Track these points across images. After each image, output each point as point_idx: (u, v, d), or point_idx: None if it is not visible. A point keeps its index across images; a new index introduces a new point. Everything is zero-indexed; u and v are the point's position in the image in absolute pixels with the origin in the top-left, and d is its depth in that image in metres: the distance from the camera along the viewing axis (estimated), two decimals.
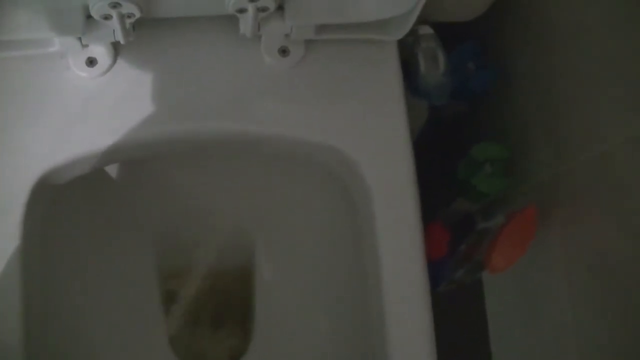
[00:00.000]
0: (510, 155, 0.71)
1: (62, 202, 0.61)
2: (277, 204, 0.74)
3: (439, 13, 0.64)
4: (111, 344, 0.69)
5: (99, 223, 0.70)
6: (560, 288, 0.68)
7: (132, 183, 0.72)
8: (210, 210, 0.77)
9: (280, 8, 0.53)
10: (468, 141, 0.73)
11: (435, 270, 0.68)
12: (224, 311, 0.79)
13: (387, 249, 0.54)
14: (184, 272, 0.79)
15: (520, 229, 0.63)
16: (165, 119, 0.55)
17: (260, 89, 0.57)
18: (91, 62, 0.55)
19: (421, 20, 0.61)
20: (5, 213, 0.52)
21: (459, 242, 0.70)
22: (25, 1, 0.50)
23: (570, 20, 0.63)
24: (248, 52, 0.57)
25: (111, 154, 0.55)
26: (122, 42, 0.53)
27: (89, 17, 0.51)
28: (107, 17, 0.50)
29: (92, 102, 0.55)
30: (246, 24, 0.54)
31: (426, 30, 0.61)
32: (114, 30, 0.52)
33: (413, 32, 0.61)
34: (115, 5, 0.49)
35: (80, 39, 0.53)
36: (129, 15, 0.51)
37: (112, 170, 0.69)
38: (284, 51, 0.57)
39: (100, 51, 0.55)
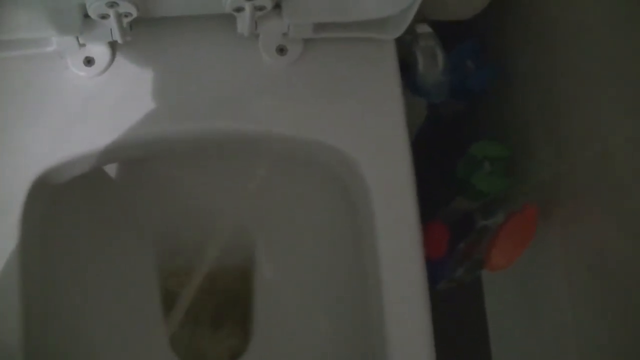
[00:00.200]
0: (510, 154, 0.71)
1: (62, 202, 0.61)
2: (277, 203, 0.74)
3: (437, 11, 0.64)
4: (111, 343, 0.69)
5: (99, 223, 0.70)
6: (560, 287, 0.68)
7: (132, 183, 0.72)
8: (211, 210, 0.77)
9: (277, 7, 0.53)
10: (468, 140, 0.73)
11: (435, 269, 0.68)
12: (224, 311, 0.79)
13: (386, 248, 0.54)
14: (184, 272, 0.79)
15: (520, 227, 0.63)
16: (164, 118, 0.55)
17: (258, 88, 0.57)
18: (89, 61, 0.55)
19: (420, 19, 0.62)
20: (3, 212, 0.52)
21: (459, 240, 0.70)
22: (23, 1, 0.50)
23: (570, 19, 0.63)
24: (246, 51, 0.57)
25: (109, 154, 0.55)
26: (119, 41, 0.53)
27: (86, 16, 0.51)
28: (104, 17, 0.50)
29: (90, 101, 0.55)
30: (243, 23, 0.54)
31: (424, 28, 0.61)
32: (111, 30, 0.52)
33: (411, 31, 0.61)
34: (112, 5, 0.49)
35: (77, 38, 0.53)
36: (126, 15, 0.51)
37: (112, 170, 0.70)
38: (281, 50, 0.57)
39: (97, 50, 0.55)
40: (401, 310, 0.53)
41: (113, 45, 0.56)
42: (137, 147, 0.56)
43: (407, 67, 0.62)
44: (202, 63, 0.57)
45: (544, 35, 0.68)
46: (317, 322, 0.69)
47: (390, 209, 0.54)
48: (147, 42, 0.57)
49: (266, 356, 0.73)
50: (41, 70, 0.55)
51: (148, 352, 0.74)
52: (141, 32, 0.55)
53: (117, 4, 0.49)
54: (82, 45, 0.54)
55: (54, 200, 0.58)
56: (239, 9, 0.52)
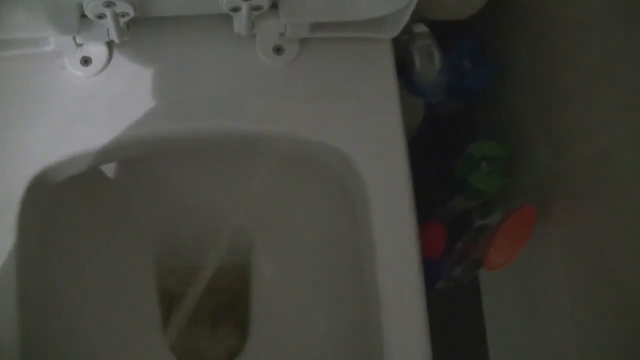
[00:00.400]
0: (508, 154, 0.71)
1: (61, 202, 0.61)
2: (276, 203, 0.74)
3: (435, 11, 0.65)
4: (109, 343, 0.69)
5: (98, 223, 0.71)
6: (558, 287, 0.68)
7: (131, 183, 0.72)
8: (209, 210, 0.77)
9: (274, 7, 0.53)
10: (466, 140, 0.73)
11: (433, 268, 0.68)
12: (223, 311, 0.79)
13: (382, 247, 0.54)
14: (183, 272, 0.79)
15: (518, 226, 0.63)
16: (161, 117, 0.55)
17: (255, 88, 0.57)
18: (86, 61, 0.55)
19: (417, 19, 0.62)
20: (1, 212, 0.52)
21: (457, 240, 0.70)
22: (21, 0, 0.50)
23: (569, 19, 0.63)
24: (243, 51, 0.57)
25: (106, 153, 0.55)
26: (116, 41, 0.54)
27: (83, 16, 0.51)
28: (101, 17, 0.51)
29: (87, 101, 0.55)
30: (240, 23, 0.54)
31: (421, 28, 0.61)
32: (108, 30, 0.53)
33: (408, 31, 0.61)
34: (109, 5, 0.49)
35: (75, 38, 0.53)
36: (123, 15, 0.51)
37: (111, 169, 0.70)
38: (279, 50, 0.57)
39: (95, 50, 0.55)
40: (398, 310, 0.53)
41: (110, 45, 0.56)
42: (134, 146, 0.56)
43: (404, 67, 0.62)
44: (199, 63, 0.57)
45: (542, 35, 0.68)
46: (315, 322, 0.69)
47: (387, 208, 0.54)
48: (144, 42, 0.57)
49: (263, 356, 0.73)
50: (39, 70, 0.55)
51: (147, 352, 0.74)
52: (139, 32, 0.56)
53: (114, 4, 0.49)
54: (79, 45, 0.55)
55: (53, 199, 0.59)
56: (236, 9, 0.52)
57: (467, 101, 0.84)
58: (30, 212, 0.54)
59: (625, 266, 0.57)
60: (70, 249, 0.65)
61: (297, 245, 0.74)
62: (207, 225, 0.78)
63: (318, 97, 0.57)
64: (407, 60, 0.61)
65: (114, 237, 0.72)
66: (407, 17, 0.54)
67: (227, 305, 0.80)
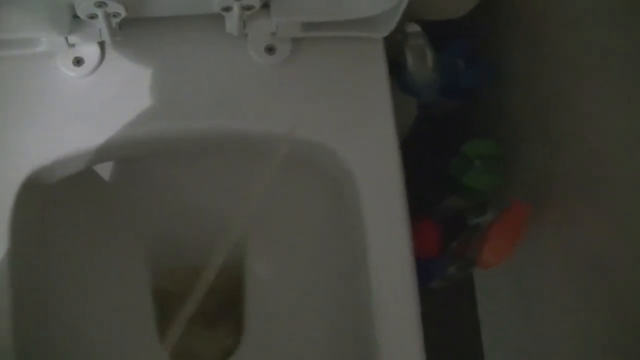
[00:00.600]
0: (503, 153, 0.70)
1: (57, 202, 0.61)
2: (270, 202, 0.74)
3: (427, 10, 0.65)
4: (105, 343, 0.69)
5: (96, 223, 0.71)
6: (553, 286, 0.67)
7: (129, 183, 0.72)
8: (205, 209, 0.77)
9: (266, 6, 0.54)
10: (460, 139, 0.72)
11: (427, 267, 0.68)
12: (218, 310, 0.79)
13: (374, 246, 0.54)
14: (179, 271, 0.79)
15: (512, 224, 0.63)
16: (153, 117, 0.56)
17: (247, 87, 0.57)
18: (78, 61, 0.55)
19: (410, 18, 0.62)
20: None
21: (451, 239, 0.70)
22: (12, 0, 0.50)
23: (563, 17, 0.63)
24: (235, 50, 0.57)
25: (99, 153, 0.55)
26: (108, 41, 0.54)
27: (75, 16, 0.51)
28: (93, 17, 0.51)
29: (80, 101, 0.55)
30: (232, 23, 0.54)
31: (414, 28, 0.61)
32: (100, 30, 0.53)
33: (401, 30, 0.61)
34: (100, 5, 0.49)
35: (66, 38, 0.53)
36: (115, 15, 0.51)
37: (109, 169, 0.70)
38: (270, 49, 0.57)
39: (87, 51, 0.55)
40: (390, 309, 0.53)
41: (102, 46, 0.56)
42: (127, 146, 0.56)
43: (397, 67, 0.62)
44: (191, 62, 0.57)
45: (536, 33, 0.68)
46: (310, 321, 0.69)
47: (379, 206, 0.54)
48: (136, 42, 0.57)
49: (257, 355, 0.73)
50: (31, 70, 0.55)
51: (144, 351, 0.74)
52: (130, 32, 0.56)
53: (106, 4, 0.49)
54: (71, 46, 0.55)
55: (49, 200, 0.59)
56: (227, 9, 0.52)
57: (461, 100, 0.84)
58: (25, 212, 0.54)
59: (620, 265, 0.57)
60: (68, 249, 0.65)
61: (292, 245, 0.74)
62: (205, 225, 0.78)
63: (310, 96, 0.57)
64: (400, 60, 0.61)
65: (112, 237, 0.73)
66: (398, 15, 0.53)
67: (222, 304, 0.80)
